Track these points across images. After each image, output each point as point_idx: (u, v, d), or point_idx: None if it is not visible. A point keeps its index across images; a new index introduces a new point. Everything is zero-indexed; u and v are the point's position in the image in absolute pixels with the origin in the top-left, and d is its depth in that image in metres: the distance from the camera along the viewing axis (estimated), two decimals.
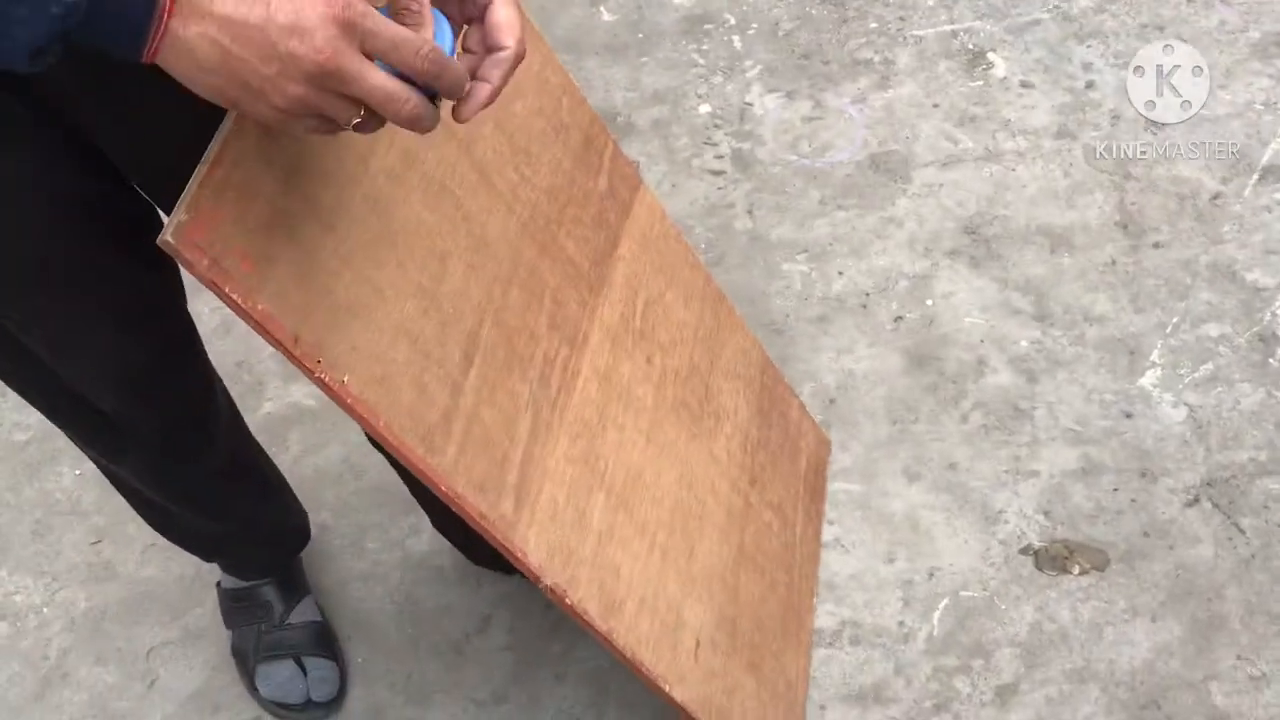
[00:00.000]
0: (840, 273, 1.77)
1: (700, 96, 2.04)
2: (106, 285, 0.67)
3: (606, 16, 2.19)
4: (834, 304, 1.74)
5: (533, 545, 0.97)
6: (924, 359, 1.66)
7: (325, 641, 1.40)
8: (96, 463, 1.14)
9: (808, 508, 1.47)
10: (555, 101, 1.09)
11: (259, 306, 0.75)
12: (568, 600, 1.00)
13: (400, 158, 0.88)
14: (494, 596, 1.47)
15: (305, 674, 1.37)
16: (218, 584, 1.42)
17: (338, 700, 1.38)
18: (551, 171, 1.07)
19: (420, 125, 0.63)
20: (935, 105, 1.96)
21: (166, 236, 0.69)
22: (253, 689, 1.38)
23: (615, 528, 1.08)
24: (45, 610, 1.50)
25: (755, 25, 2.13)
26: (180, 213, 0.70)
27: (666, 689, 1.10)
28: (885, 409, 1.61)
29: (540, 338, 1.01)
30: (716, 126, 1.99)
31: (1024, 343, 1.66)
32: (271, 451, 1.37)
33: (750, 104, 2.01)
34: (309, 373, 0.79)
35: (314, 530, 1.49)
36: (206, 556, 1.36)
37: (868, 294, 1.74)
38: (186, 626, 1.46)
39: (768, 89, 2.03)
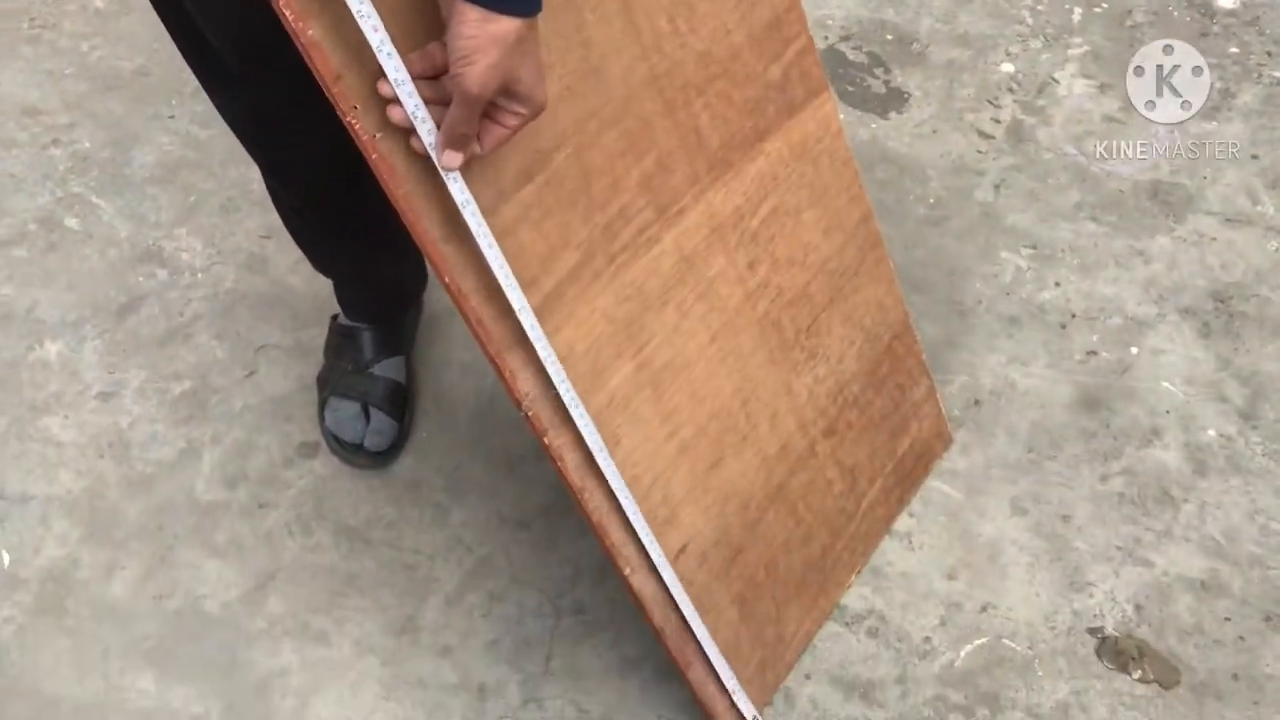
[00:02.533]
0: (1057, 284, 1.63)
1: (1009, 55, 1.89)
2: None
3: None
4: (1034, 311, 1.60)
5: (528, 371, 0.97)
6: (1097, 402, 1.51)
7: (396, 401, 1.47)
8: (221, 111, 1.21)
9: (889, 488, 1.40)
10: None
11: (309, 32, 0.77)
12: (546, 439, 1.00)
13: None
14: None
15: (368, 421, 1.45)
16: (333, 317, 1.52)
17: (387, 455, 1.45)
18: (713, 37, 1.02)
19: None
20: (1255, 157, 1.73)
21: None
22: (320, 416, 1.47)
23: (633, 401, 1.06)
24: (199, 275, 1.64)
25: (1106, 5, 1.94)
26: None
27: (627, 572, 1.09)
28: (1029, 433, 1.49)
29: (624, 190, 0.99)
30: (1009, 90, 1.84)
31: (1212, 432, 1.48)
32: None
33: (1056, 81, 1.85)
34: (342, 114, 0.81)
35: (440, 307, 1.55)
36: (319, 265, 1.43)
37: (1074, 315, 1.59)
38: (299, 339, 1.57)
39: (1083, 73, 1.85)
